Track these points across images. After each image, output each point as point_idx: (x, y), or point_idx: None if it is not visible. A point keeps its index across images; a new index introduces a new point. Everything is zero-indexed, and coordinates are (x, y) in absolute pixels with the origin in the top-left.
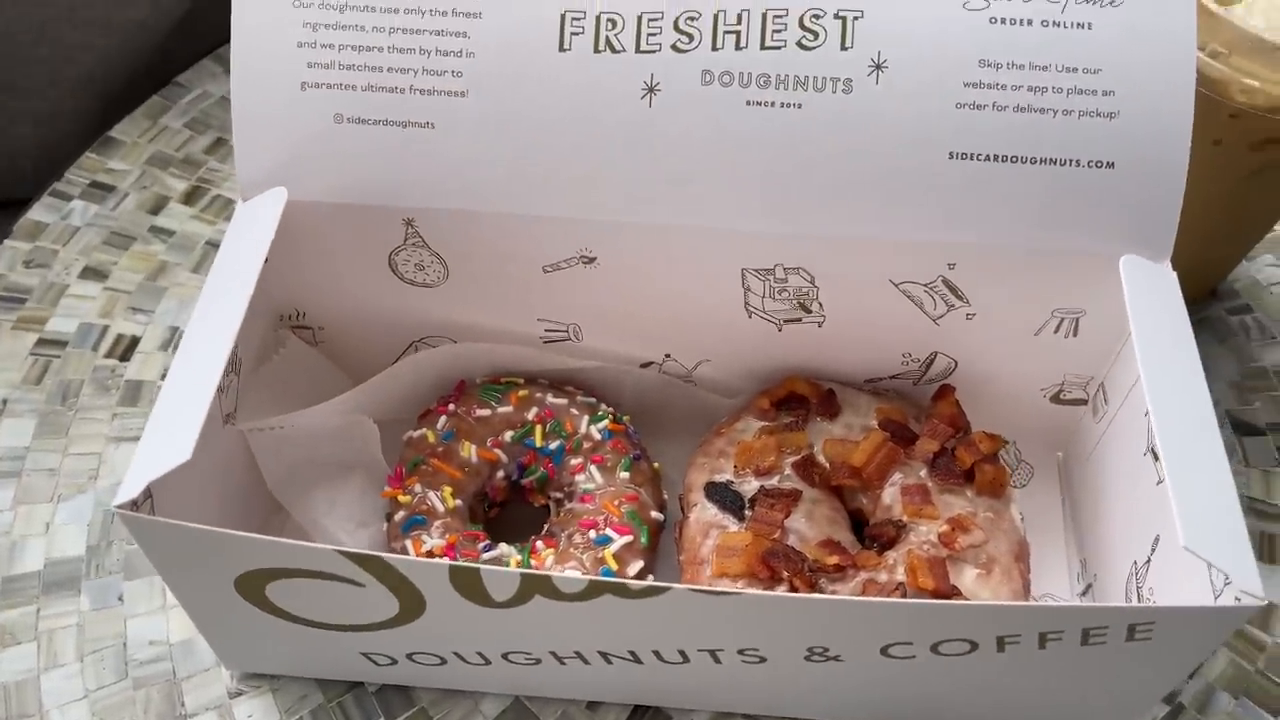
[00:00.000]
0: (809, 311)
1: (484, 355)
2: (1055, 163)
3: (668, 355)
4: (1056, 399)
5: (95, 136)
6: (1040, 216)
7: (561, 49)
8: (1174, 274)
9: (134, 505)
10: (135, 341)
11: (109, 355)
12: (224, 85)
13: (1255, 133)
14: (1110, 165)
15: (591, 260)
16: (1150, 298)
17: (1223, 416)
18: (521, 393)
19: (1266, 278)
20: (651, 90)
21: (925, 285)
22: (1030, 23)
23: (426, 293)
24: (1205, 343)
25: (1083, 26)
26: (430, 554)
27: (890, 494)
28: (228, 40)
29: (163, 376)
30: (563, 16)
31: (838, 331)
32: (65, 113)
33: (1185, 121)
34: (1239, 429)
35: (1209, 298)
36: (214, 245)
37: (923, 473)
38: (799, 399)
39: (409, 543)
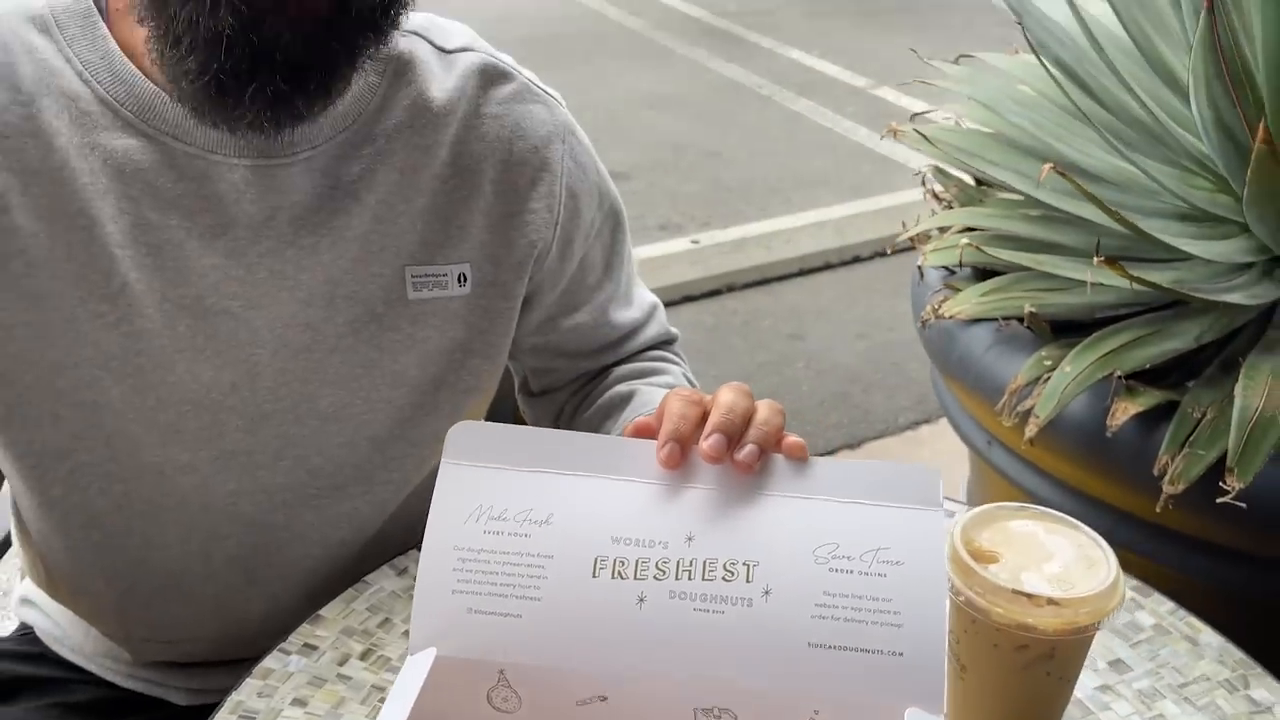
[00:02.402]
0: None
1: None
2: (869, 651)
3: None
4: None
5: (305, 612)
6: (863, 683)
7: (594, 576)
8: None
9: None
10: None
11: None
12: (394, 583)
13: (1016, 641)
14: (900, 654)
15: (605, 699)
16: None
17: None
18: None
19: None
20: (641, 601)
21: None
22: (852, 571)
23: (506, 716)
24: None
25: (882, 575)
26: None
27: None
28: (399, 554)
29: None
30: (595, 559)
31: None
32: (281, 597)
33: (941, 632)
34: None
35: None
36: (377, 688)
37: None
38: None
39: None
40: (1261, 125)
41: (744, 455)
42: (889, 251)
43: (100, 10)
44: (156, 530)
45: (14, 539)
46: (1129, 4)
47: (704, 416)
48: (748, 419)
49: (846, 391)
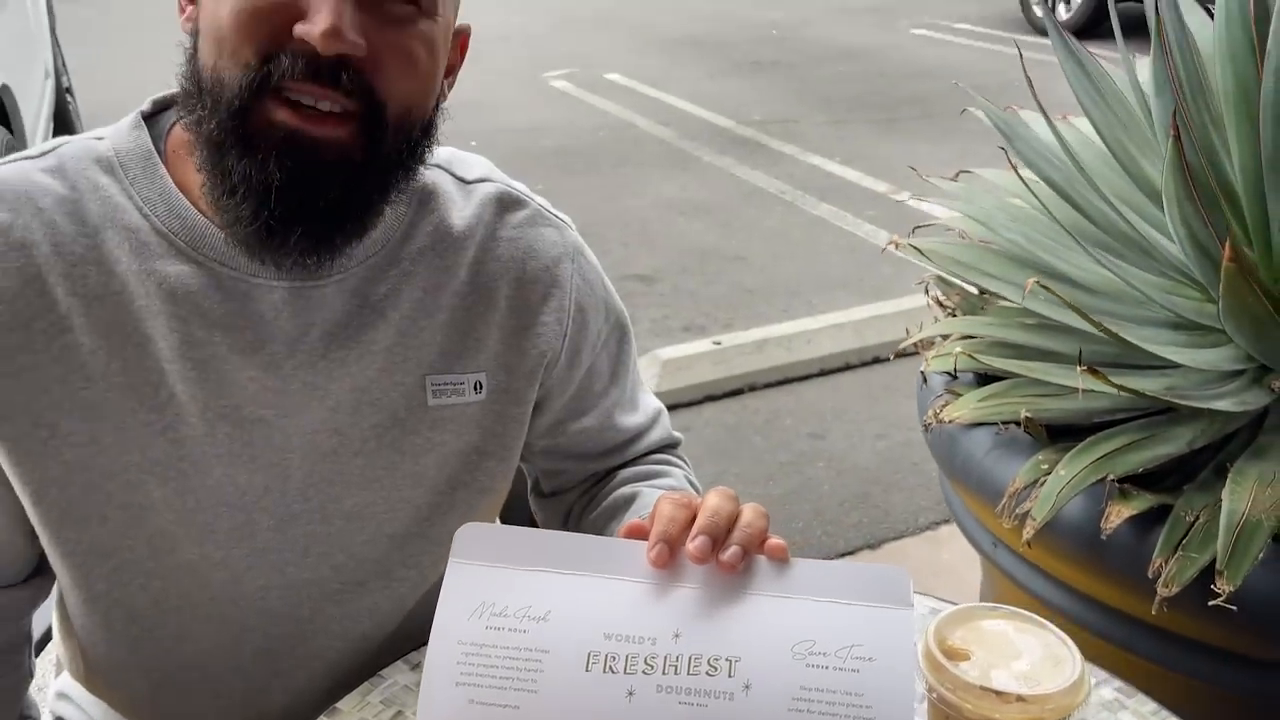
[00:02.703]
0: None
1: None
2: None
3: None
4: None
5: (325, 704)
6: None
7: (587, 670)
8: None
9: None
10: None
11: None
12: (408, 677)
13: None
14: None
15: None
16: None
17: None
18: None
19: None
20: (631, 694)
21: None
22: (827, 667)
23: None
24: None
25: (855, 671)
26: None
27: None
28: (416, 648)
29: None
30: (588, 654)
31: None
32: (304, 689)
33: None
34: None
35: None
36: None
37: None
38: None
39: None
40: (1228, 244)
41: (728, 556)
42: (891, 357)
43: (159, 153)
44: (190, 624)
45: (55, 633)
46: (1111, 123)
47: (693, 519)
48: (732, 521)
49: (867, 491)
